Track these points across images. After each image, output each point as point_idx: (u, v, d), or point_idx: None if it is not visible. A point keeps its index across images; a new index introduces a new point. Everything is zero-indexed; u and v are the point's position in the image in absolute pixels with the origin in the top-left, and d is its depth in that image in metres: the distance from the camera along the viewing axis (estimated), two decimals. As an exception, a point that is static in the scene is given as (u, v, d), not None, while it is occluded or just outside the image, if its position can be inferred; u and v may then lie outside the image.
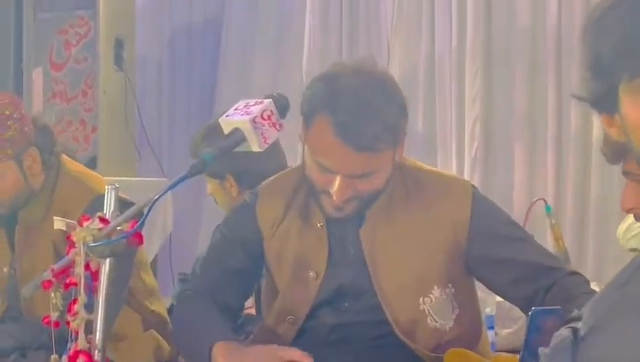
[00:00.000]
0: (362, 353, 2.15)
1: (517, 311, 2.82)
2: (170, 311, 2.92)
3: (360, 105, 1.98)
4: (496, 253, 2.14)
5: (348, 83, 2.01)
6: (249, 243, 2.23)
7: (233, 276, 2.24)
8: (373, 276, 2.12)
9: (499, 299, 2.96)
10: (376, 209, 2.13)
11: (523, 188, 4.38)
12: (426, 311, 2.12)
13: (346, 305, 2.17)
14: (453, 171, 4.35)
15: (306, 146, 2.08)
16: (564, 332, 1.19)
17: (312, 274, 2.15)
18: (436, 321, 2.13)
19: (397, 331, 2.11)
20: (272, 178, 2.31)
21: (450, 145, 4.61)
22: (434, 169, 2.30)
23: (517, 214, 3.54)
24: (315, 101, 2.03)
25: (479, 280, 2.24)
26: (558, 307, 1.77)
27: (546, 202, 2.64)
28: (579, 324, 1.18)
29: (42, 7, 4.85)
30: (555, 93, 4.30)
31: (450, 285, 2.15)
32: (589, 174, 4.20)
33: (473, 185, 2.23)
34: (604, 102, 1.20)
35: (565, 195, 4.27)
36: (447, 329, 2.14)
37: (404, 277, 2.12)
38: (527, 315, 2.20)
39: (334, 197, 2.03)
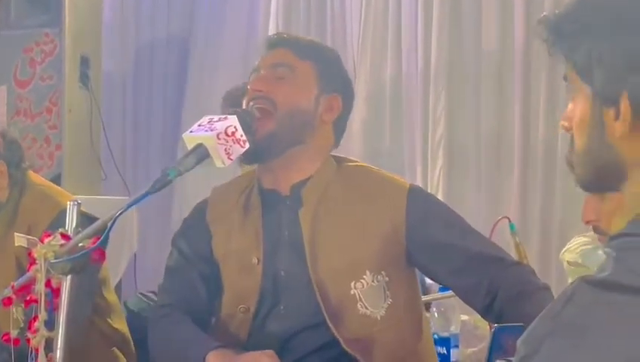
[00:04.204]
0: None
1: (482, 330, 2.80)
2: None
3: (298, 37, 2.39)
4: (435, 239, 2.17)
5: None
6: (202, 245, 2.27)
7: (198, 282, 2.26)
8: (310, 257, 2.14)
9: (463, 317, 2.96)
10: (311, 191, 2.19)
11: (488, 210, 4.37)
12: (357, 296, 2.13)
13: (282, 308, 2.18)
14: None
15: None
16: None
17: (254, 260, 2.18)
18: (366, 308, 2.14)
19: (327, 320, 2.12)
20: (225, 183, 2.37)
21: (416, 164, 4.62)
22: (377, 169, 2.32)
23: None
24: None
25: (423, 271, 2.26)
26: (521, 324, 1.77)
27: (510, 220, 2.63)
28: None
29: (7, 24, 4.82)
30: (522, 113, 4.32)
31: (383, 273, 2.16)
32: (555, 194, 4.22)
33: (413, 184, 2.29)
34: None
35: (532, 215, 4.29)
36: (378, 318, 2.14)
37: (338, 260, 2.14)
38: (472, 307, 2.21)
39: (256, 81, 2.19)
